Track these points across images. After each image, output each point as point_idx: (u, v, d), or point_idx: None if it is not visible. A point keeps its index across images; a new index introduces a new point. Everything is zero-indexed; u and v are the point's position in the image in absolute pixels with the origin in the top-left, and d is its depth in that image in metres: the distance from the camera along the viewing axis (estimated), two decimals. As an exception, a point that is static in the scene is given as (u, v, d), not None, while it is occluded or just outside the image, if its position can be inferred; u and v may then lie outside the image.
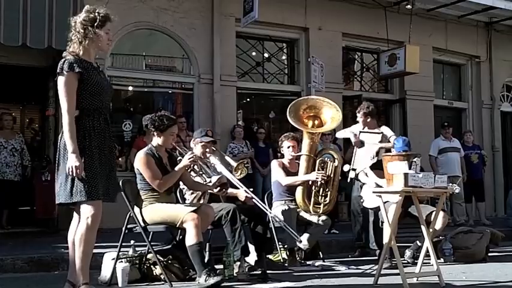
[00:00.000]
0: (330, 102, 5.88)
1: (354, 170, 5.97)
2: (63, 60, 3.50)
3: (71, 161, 3.38)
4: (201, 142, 5.08)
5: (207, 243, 4.60)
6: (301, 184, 5.59)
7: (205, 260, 4.23)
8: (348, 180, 6.15)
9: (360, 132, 6.21)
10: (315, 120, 5.84)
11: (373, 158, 5.97)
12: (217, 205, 4.81)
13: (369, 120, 6.18)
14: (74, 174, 3.38)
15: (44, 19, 6.64)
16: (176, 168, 4.49)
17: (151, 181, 4.39)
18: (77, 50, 3.53)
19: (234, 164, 5.15)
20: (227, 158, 5.32)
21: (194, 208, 4.35)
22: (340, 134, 6.67)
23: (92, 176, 3.44)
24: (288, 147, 5.78)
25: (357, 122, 6.38)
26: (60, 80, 3.47)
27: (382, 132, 6.17)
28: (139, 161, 4.46)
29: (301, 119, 5.80)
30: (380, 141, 6.12)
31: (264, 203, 5.78)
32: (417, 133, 9.94)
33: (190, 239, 4.16)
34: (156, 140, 4.56)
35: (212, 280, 4.02)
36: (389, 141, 6.08)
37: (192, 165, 4.60)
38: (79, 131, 3.45)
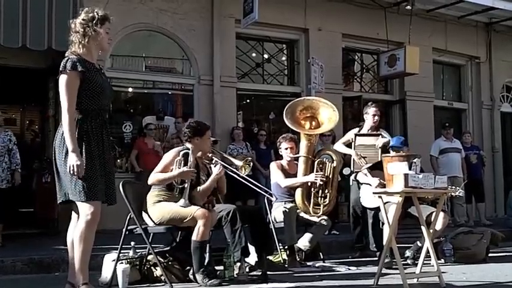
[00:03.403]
0: (327, 103, 5.88)
1: (355, 172, 5.96)
2: (66, 58, 3.51)
3: (71, 160, 3.38)
4: None
5: (207, 244, 4.60)
6: (300, 185, 5.58)
7: (205, 260, 4.28)
8: (351, 183, 6.14)
9: (356, 135, 6.18)
10: (312, 121, 5.84)
11: (377, 147, 5.95)
12: (217, 206, 4.80)
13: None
14: (75, 174, 3.38)
15: (43, 20, 6.64)
16: (172, 174, 4.45)
17: (154, 171, 4.49)
18: (79, 50, 3.54)
19: (238, 163, 5.13)
20: (231, 158, 5.28)
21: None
22: (338, 148, 6.36)
23: (90, 176, 3.44)
24: (286, 148, 5.78)
25: (359, 125, 6.34)
26: (62, 79, 3.48)
27: (380, 134, 6.15)
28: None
29: (298, 121, 5.80)
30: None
31: (264, 204, 5.80)
32: (417, 134, 9.94)
33: (196, 235, 4.26)
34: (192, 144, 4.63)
35: (208, 282, 4.15)
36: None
37: (188, 180, 4.47)
38: (77, 131, 3.45)
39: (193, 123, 4.77)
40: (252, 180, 5.29)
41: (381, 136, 6.09)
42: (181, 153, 4.49)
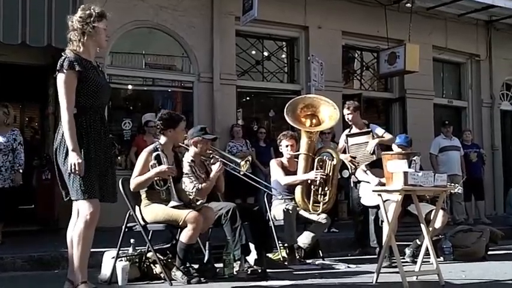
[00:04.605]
0: (328, 101, 5.88)
1: (354, 174, 5.97)
2: (63, 57, 3.51)
3: (72, 159, 3.38)
4: (202, 140, 5.05)
5: (207, 242, 4.61)
6: (300, 183, 5.58)
7: (188, 260, 4.33)
8: (351, 184, 6.15)
9: (347, 136, 6.19)
10: (312, 119, 5.85)
11: (372, 153, 5.96)
12: (216, 204, 4.81)
13: (358, 115, 6.20)
14: (76, 172, 3.38)
15: (43, 17, 6.64)
16: (148, 175, 4.36)
17: (132, 176, 4.43)
18: (77, 48, 3.54)
19: (239, 161, 5.12)
20: (230, 156, 5.26)
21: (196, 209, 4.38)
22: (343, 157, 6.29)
23: (89, 174, 3.44)
24: (286, 146, 5.77)
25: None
26: (60, 78, 3.48)
27: (371, 130, 6.17)
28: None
29: (299, 118, 5.81)
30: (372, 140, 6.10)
31: (264, 202, 5.80)
32: (417, 132, 9.91)
33: (184, 237, 4.26)
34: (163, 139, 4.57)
35: (187, 280, 4.19)
36: (383, 137, 6.10)
37: (169, 176, 4.39)
38: (76, 128, 3.45)
39: (165, 114, 4.65)
40: (252, 176, 5.29)
41: (371, 133, 6.10)
42: (153, 155, 4.40)
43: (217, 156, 5.01)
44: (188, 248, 4.28)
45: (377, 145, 6.05)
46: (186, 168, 4.89)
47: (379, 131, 6.21)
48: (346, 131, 6.33)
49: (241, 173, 5.09)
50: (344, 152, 6.20)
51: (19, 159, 6.14)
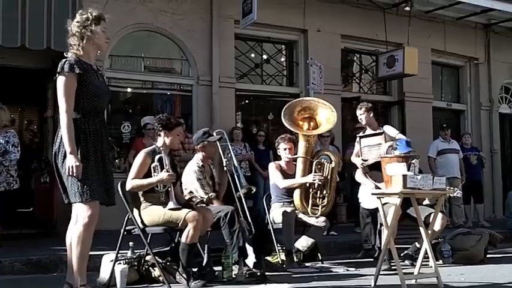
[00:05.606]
0: (325, 103, 5.86)
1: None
2: (64, 60, 3.52)
3: (70, 162, 3.39)
4: (208, 144, 5.08)
5: (206, 245, 4.61)
6: (298, 186, 5.58)
7: (191, 261, 4.34)
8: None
9: (360, 137, 6.13)
10: (310, 122, 5.81)
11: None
12: (215, 207, 4.81)
13: (371, 115, 6.05)
14: (74, 175, 3.38)
15: (42, 20, 6.65)
16: (150, 180, 4.35)
17: (130, 177, 4.41)
18: (77, 52, 3.55)
19: (244, 184, 5.11)
20: (241, 175, 5.21)
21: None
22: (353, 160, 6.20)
23: (87, 177, 3.44)
24: (285, 149, 5.76)
25: (359, 126, 6.27)
26: (60, 80, 3.49)
27: (383, 132, 6.10)
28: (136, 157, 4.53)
29: (296, 121, 5.78)
30: (385, 141, 6.02)
31: (263, 205, 5.80)
32: (416, 135, 9.87)
33: (186, 237, 4.26)
34: (161, 140, 4.57)
35: (192, 284, 4.21)
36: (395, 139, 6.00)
37: (169, 184, 4.38)
38: (75, 132, 3.45)
39: (163, 116, 4.68)
40: (243, 203, 5.13)
41: (384, 135, 6.01)
42: (157, 158, 4.39)
43: (230, 163, 5.07)
44: (191, 248, 4.28)
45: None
46: (197, 173, 4.97)
47: (392, 132, 6.08)
48: (360, 134, 6.23)
49: (238, 194, 5.04)
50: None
51: (10, 155, 5.82)
